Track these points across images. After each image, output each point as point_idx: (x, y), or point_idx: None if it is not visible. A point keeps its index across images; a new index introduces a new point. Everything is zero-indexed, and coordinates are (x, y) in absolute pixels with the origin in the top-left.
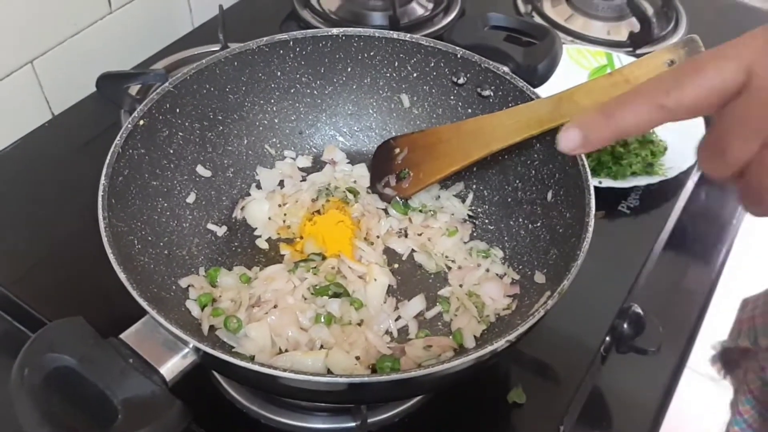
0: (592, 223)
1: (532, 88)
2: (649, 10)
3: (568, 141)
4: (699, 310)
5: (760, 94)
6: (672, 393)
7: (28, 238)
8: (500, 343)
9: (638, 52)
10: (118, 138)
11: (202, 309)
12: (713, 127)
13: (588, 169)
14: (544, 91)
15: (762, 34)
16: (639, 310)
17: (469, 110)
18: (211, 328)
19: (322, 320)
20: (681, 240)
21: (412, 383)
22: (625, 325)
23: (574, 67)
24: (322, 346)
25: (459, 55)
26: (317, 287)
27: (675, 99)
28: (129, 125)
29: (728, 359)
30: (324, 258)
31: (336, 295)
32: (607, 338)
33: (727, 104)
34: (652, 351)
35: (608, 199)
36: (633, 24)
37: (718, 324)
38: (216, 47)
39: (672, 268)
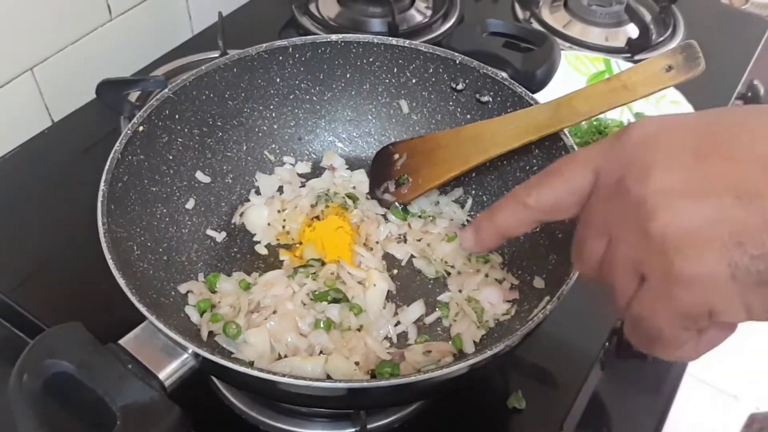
0: None
1: (530, 94)
2: (647, 17)
3: (466, 241)
4: None
5: (602, 193)
6: (673, 399)
7: (27, 244)
8: (499, 348)
9: (636, 58)
10: (117, 144)
11: (201, 315)
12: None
13: None
14: (542, 96)
15: (608, 139)
16: None
17: (468, 116)
18: (210, 333)
19: (322, 326)
20: None
21: (411, 388)
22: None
23: (573, 73)
24: (321, 352)
25: (458, 61)
26: (316, 293)
27: (535, 199)
28: (128, 131)
29: None
30: (323, 264)
31: (335, 301)
32: (607, 344)
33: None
34: (651, 357)
35: None
36: (631, 30)
37: None
38: (215, 54)
39: None
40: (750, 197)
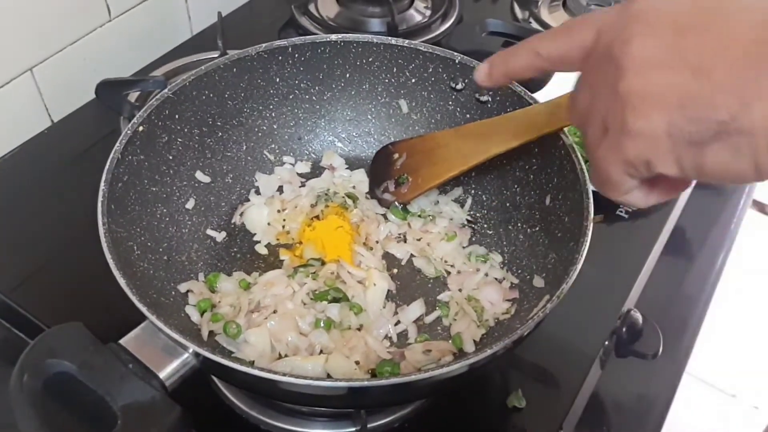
0: (590, 227)
1: (530, 93)
2: None
3: (480, 73)
4: (698, 314)
5: (596, 52)
6: (672, 398)
7: (27, 244)
8: (499, 347)
9: None
10: (117, 144)
11: (202, 314)
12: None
13: (587, 174)
14: (541, 96)
15: (619, 5)
16: (638, 315)
17: (468, 115)
18: (211, 333)
19: (322, 325)
20: (679, 244)
21: (411, 387)
22: (624, 330)
23: (571, 73)
24: (321, 351)
25: (457, 61)
26: (317, 292)
27: (546, 49)
28: (128, 131)
29: None
30: (323, 263)
31: (335, 300)
32: (606, 343)
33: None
34: (650, 356)
35: (606, 203)
36: None
37: (718, 328)
38: (215, 54)
39: (671, 273)
40: (705, 73)
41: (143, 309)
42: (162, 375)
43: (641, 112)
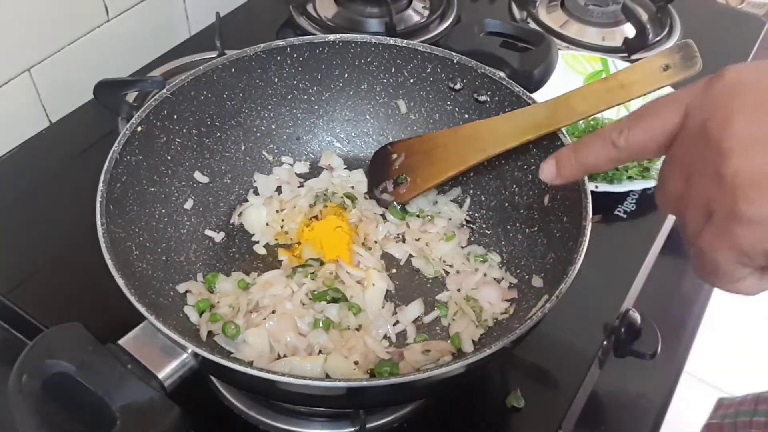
0: (589, 226)
1: (528, 93)
2: (644, 16)
3: (547, 172)
4: (696, 313)
5: (687, 133)
6: (671, 397)
7: (25, 245)
8: (498, 347)
9: (633, 57)
10: (116, 144)
11: (200, 315)
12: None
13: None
14: (540, 96)
15: (703, 81)
16: (636, 315)
17: (466, 115)
18: (210, 333)
19: (321, 325)
20: (678, 244)
21: (410, 387)
22: (623, 330)
23: (570, 73)
24: (320, 352)
25: (455, 61)
26: (315, 292)
27: (625, 139)
28: (127, 132)
29: None
30: (322, 263)
31: (334, 300)
32: (605, 342)
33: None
34: (649, 355)
35: (604, 203)
36: (628, 30)
37: (716, 327)
38: (213, 54)
39: (669, 272)
40: None
41: (142, 309)
42: (161, 375)
43: (755, 199)
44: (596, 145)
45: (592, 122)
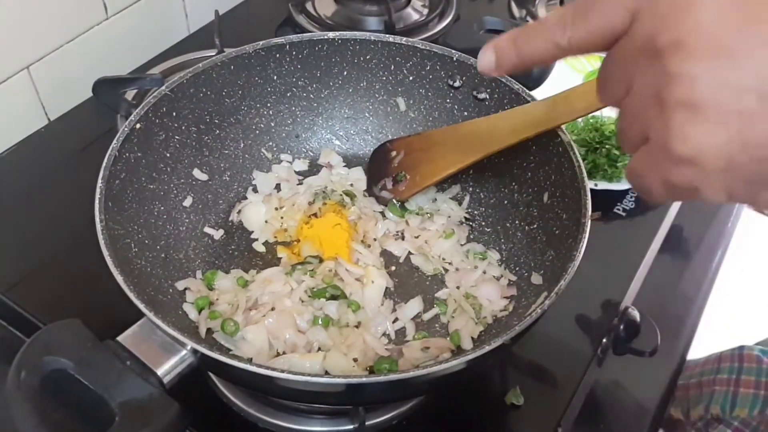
0: (588, 223)
1: (527, 91)
2: None
3: (485, 63)
4: (695, 311)
5: (632, 41)
6: (670, 394)
7: (24, 242)
8: (497, 344)
9: None
10: (114, 141)
11: (199, 312)
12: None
13: (584, 171)
14: (539, 93)
15: None
16: (635, 312)
17: (465, 113)
18: (209, 331)
19: (320, 323)
20: (677, 242)
21: (409, 384)
22: (622, 327)
23: (569, 70)
24: (319, 349)
25: (455, 58)
26: (314, 290)
27: (568, 39)
28: (126, 129)
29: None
30: (321, 261)
31: (333, 298)
32: (604, 340)
33: (613, 45)
34: (648, 353)
35: (604, 201)
36: None
37: (715, 325)
38: (212, 52)
39: (668, 270)
40: None
41: (141, 306)
42: (160, 372)
43: (692, 138)
44: (539, 40)
45: (591, 120)
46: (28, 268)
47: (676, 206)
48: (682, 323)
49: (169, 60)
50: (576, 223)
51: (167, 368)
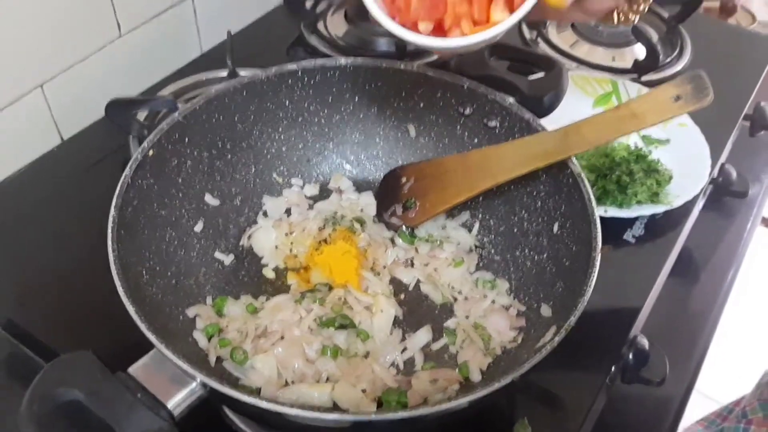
0: (598, 258)
1: (538, 120)
2: (654, 37)
3: None
4: (706, 334)
5: None
6: (677, 423)
7: (35, 262)
8: (506, 381)
9: (643, 79)
10: (127, 169)
11: (209, 339)
12: None
13: (594, 203)
14: (549, 120)
15: None
16: (644, 341)
17: (476, 140)
18: (218, 359)
19: (329, 353)
20: (686, 268)
21: (417, 420)
22: (631, 356)
23: (579, 94)
24: (328, 379)
25: (465, 87)
26: (324, 319)
27: None
28: (138, 156)
29: None
30: (331, 288)
31: (342, 327)
32: (613, 369)
33: None
34: (657, 383)
35: (613, 228)
36: (638, 50)
37: (725, 350)
38: (224, 72)
39: (678, 296)
40: None
41: (152, 338)
42: (170, 404)
43: None
44: None
45: (602, 146)
46: (38, 288)
47: (686, 231)
48: (692, 349)
49: (181, 79)
50: (586, 256)
51: (177, 401)
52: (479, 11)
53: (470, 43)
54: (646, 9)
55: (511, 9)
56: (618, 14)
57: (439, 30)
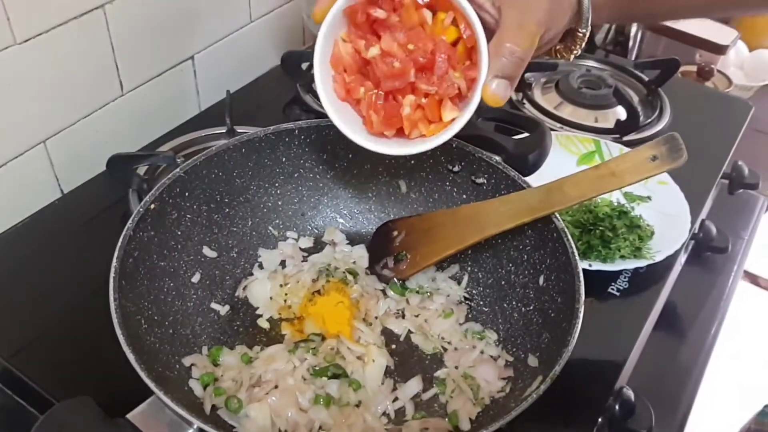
0: (582, 309)
1: (523, 177)
2: (635, 99)
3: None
4: (691, 388)
5: None
6: None
7: (34, 312)
8: (493, 428)
9: (625, 139)
10: (130, 221)
11: (205, 388)
12: None
13: (577, 257)
14: (534, 176)
15: None
16: (630, 392)
17: (464, 196)
18: (213, 407)
19: (321, 402)
20: (671, 320)
21: None
22: (617, 407)
23: (563, 153)
24: (320, 428)
25: (454, 145)
26: (317, 368)
27: None
28: (140, 209)
29: None
30: (324, 338)
31: (335, 377)
32: (600, 420)
33: None
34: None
35: (598, 281)
36: (620, 112)
37: (710, 403)
38: (222, 129)
39: (663, 348)
40: None
41: (152, 385)
42: None
43: None
44: None
45: (586, 203)
46: (36, 337)
47: (669, 285)
48: (678, 400)
49: (180, 136)
50: (570, 308)
51: None
52: (431, 114)
53: (430, 147)
54: (581, 49)
55: (462, 98)
56: (554, 52)
57: (402, 132)
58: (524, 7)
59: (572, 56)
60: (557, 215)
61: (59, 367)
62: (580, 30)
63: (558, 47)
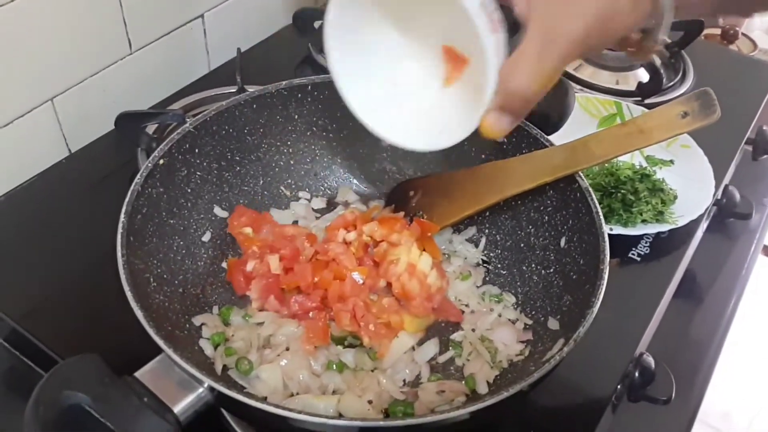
0: (606, 270)
1: (545, 136)
2: (657, 61)
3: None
4: (710, 359)
5: None
6: None
7: (42, 273)
8: (514, 390)
9: (647, 101)
10: (138, 176)
11: (215, 348)
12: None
13: (602, 217)
14: (555, 138)
15: None
16: (650, 359)
17: (483, 155)
18: (224, 367)
19: (335, 368)
20: (691, 288)
21: (424, 429)
22: (637, 374)
23: (584, 116)
24: (334, 391)
25: None
26: (333, 335)
27: None
28: (149, 164)
29: None
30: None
31: (351, 346)
32: (619, 387)
33: None
34: (663, 401)
35: (619, 246)
36: (641, 74)
37: (729, 373)
38: (233, 89)
39: (683, 316)
40: None
41: (160, 342)
42: (177, 409)
43: None
44: None
45: (606, 164)
46: (45, 298)
47: (691, 251)
48: (697, 370)
49: (190, 95)
50: (594, 269)
51: (184, 406)
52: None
53: (455, 141)
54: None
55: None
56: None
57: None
58: (560, 14)
59: (647, 58)
60: (581, 174)
61: (67, 328)
62: (656, 32)
63: (630, 49)
